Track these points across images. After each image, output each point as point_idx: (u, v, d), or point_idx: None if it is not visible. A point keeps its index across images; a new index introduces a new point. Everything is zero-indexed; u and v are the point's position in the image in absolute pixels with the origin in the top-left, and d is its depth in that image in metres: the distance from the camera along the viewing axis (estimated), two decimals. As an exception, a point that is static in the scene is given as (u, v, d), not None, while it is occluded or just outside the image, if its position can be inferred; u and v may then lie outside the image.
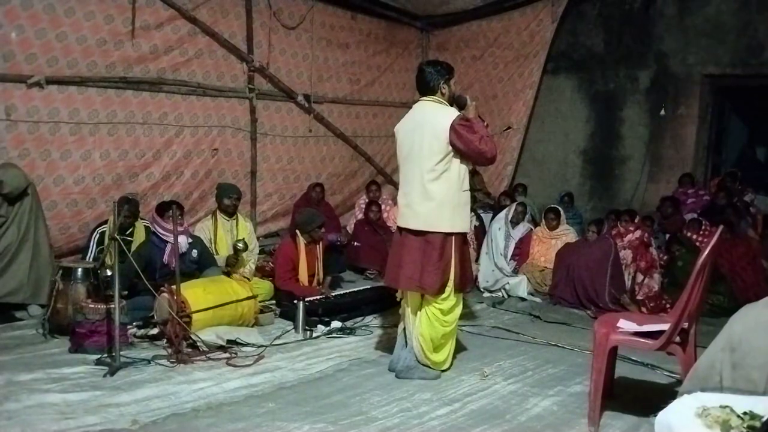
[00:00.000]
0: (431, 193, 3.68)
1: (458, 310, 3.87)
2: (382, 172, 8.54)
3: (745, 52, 6.94)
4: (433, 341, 3.82)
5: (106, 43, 5.64)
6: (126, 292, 4.32)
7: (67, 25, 5.38)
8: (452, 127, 3.61)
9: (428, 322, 3.78)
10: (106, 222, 5.20)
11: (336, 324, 4.74)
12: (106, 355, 3.84)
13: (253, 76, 6.86)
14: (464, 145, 3.62)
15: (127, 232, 5.11)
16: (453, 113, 3.68)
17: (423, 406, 3.47)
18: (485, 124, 3.82)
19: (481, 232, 6.82)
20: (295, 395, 3.53)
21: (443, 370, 3.92)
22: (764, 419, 1.77)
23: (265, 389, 3.59)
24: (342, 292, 5.50)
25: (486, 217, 7.11)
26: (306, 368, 3.96)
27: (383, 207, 7.30)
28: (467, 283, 3.98)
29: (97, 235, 5.13)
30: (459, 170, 3.69)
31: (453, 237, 3.71)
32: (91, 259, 4.96)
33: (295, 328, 4.63)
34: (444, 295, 3.74)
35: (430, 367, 3.86)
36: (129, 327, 4.19)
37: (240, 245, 5.10)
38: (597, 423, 3.23)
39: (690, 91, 7.38)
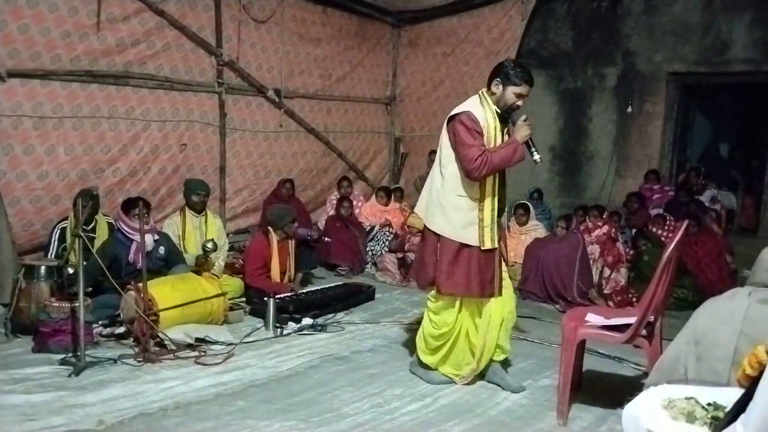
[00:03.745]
0: (432, 184, 3.60)
1: (447, 317, 3.60)
2: (354, 168, 8.52)
3: (710, 51, 7.09)
4: (425, 340, 3.71)
5: (70, 35, 5.50)
6: (90, 289, 4.23)
7: (29, 16, 5.22)
8: (453, 117, 3.44)
9: (425, 317, 3.73)
10: (67, 218, 5.08)
11: (307, 321, 4.71)
12: (70, 354, 3.76)
13: (222, 70, 6.77)
14: (454, 140, 3.42)
15: (89, 228, 4.99)
16: (469, 107, 3.44)
17: (394, 401, 3.47)
18: (537, 156, 3.41)
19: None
20: (265, 393, 3.50)
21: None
22: (727, 410, 1.81)
23: (235, 387, 3.56)
24: (313, 288, 5.48)
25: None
26: (276, 366, 3.93)
27: (355, 203, 7.29)
28: (448, 287, 3.56)
29: (58, 232, 5.01)
30: (457, 170, 3.45)
31: (440, 238, 3.54)
32: (52, 256, 4.85)
33: (266, 325, 4.59)
34: (432, 293, 3.65)
35: (430, 368, 3.75)
36: (94, 326, 4.10)
37: (209, 246, 5.02)
38: (566, 416, 3.27)
39: (656, 89, 7.52)
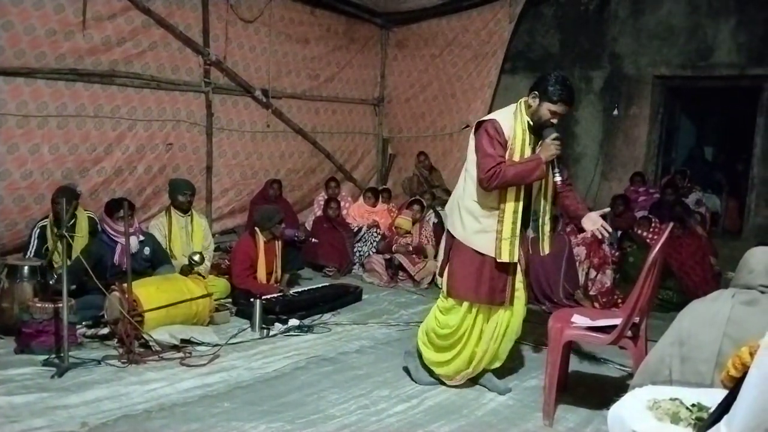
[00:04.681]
0: (458, 185, 3.57)
1: (451, 319, 3.54)
2: (341, 169, 8.52)
3: (695, 55, 7.15)
4: (427, 334, 3.68)
5: (55, 33, 5.46)
6: (74, 287, 4.18)
7: (14, 14, 5.18)
8: (479, 124, 3.37)
9: (432, 311, 3.71)
10: (47, 217, 5.02)
11: (293, 322, 4.69)
12: (54, 355, 3.72)
13: (209, 70, 6.74)
14: (476, 147, 3.34)
15: (69, 224, 4.92)
16: (498, 116, 3.36)
17: (381, 402, 3.47)
18: (558, 178, 3.25)
19: (439, 228, 6.86)
20: (251, 394, 3.48)
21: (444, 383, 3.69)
22: (711, 411, 1.82)
23: (221, 389, 3.53)
24: (300, 289, 5.46)
25: (444, 214, 7.14)
26: (263, 367, 3.91)
27: (342, 204, 7.27)
28: (456, 290, 3.52)
29: (38, 230, 4.94)
30: (475, 176, 3.34)
31: (454, 239, 3.52)
32: (32, 255, 4.79)
33: (252, 326, 4.57)
34: (443, 292, 3.62)
35: (421, 366, 3.75)
36: (78, 327, 4.07)
37: (196, 259, 4.96)
38: (552, 416, 3.28)
39: (642, 92, 7.56)
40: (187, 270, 4.99)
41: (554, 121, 3.25)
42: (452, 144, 8.37)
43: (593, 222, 3.35)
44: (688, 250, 6.02)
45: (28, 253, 4.87)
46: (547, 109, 3.24)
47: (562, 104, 3.22)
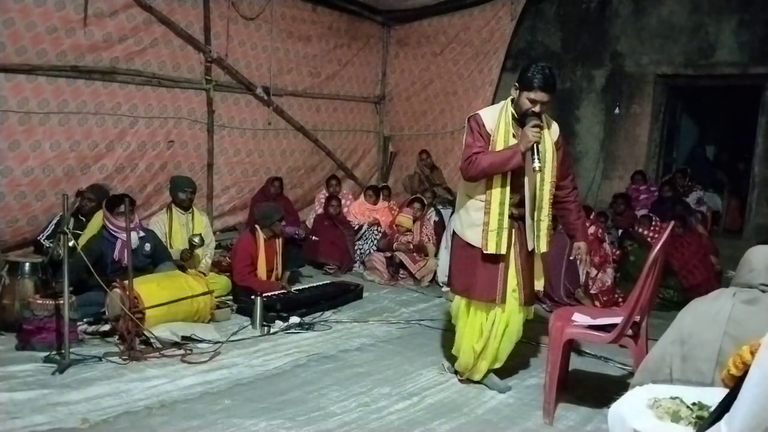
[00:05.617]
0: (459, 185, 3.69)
1: (454, 307, 3.72)
2: (342, 167, 8.51)
3: (697, 53, 7.14)
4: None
5: (56, 30, 5.45)
6: (71, 288, 4.19)
7: (15, 10, 5.17)
8: (468, 119, 3.47)
9: None
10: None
11: (294, 319, 4.70)
12: (55, 352, 3.72)
13: (210, 67, 6.73)
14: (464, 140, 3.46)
15: (84, 221, 4.96)
16: (482, 110, 3.49)
17: (382, 400, 3.47)
18: (536, 164, 3.22)
19: (440, 227, 6.86)
20: (251, 392, 3.49)
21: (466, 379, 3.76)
22: (712, 409, 1.82)
23: (221, 386, 3.54)
24: (301, 287, 5.47)
25: (446, 212, 7.16)
26: (263, 364, 3.91)
27: (343, 202, 7.28)
28: (453, 285, 3.70)
29: (58, 217, 4.99)
30: None
31: (456, 236, 3.61)
32: (44, 237, 4.88)
33: (253, 323, 4.58)
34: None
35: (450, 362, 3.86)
36: (79, 323, 4.07)
37: (196, 240, 5.00)
38: (552, 415, 3.28)
39: (643, 91, 7.56)
40: (188, 254, 5.01)
41: (536, 109, 3.27)
42: (453, 142, 8.37)
43: (578, 251, 3.71)
44: (689, 248, 6.02)
45: (41, 235, 5.01)
46: (526, 97, 3.28)
47: (540, 91, 3.25)
